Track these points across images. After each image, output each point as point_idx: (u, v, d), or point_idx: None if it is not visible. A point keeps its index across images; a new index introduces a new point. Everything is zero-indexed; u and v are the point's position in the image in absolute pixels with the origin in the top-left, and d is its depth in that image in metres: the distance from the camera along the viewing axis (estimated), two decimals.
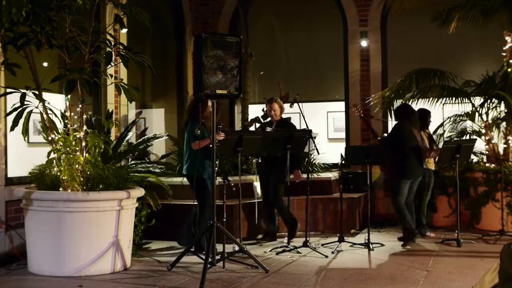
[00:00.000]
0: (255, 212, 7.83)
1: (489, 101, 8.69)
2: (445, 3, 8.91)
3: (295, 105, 7.58)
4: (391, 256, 6.82)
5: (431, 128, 8.60)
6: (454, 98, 8.76)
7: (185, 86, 10.24)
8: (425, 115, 8.21)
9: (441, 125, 9.15)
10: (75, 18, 6.00)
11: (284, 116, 7.92)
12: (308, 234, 7.18)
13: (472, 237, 7.75)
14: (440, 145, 7.97)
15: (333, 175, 8.93)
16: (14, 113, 5.78)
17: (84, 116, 6.09)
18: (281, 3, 10.91)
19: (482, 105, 8.75)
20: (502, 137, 8.78)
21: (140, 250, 7.00)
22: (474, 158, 8.81)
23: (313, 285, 5.45)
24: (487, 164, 8.68)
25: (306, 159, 8.70)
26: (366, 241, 7.13)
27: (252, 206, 7.90)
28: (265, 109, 8.51)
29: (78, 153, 6.00)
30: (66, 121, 6.19)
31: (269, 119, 7.96)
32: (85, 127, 6.05)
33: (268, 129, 7.62)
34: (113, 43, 6.30)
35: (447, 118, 9.17)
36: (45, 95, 6.05)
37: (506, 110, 8.62)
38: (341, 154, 7.58)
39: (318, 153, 7.46)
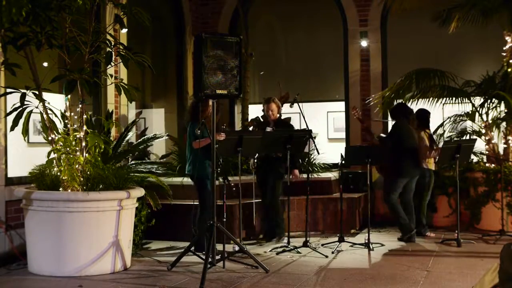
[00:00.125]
0: (253, 212, 7.85)
1: (489, 101, 8.69)
2: (445, 3, 8.91)
3: (295, 105, 7.58)
4: (391, 256, 6.82)
5: (431, 128, 8.59)
6: (454, 98, 8.76)
7: (185, 86, 10.24)
8: (426, 114, 8.21)
9: (441, 125, 9.15)
10: (75, 18, 6.00)
11: (284, 116, 7.92)
12: (308, 234, 7.18)
13: (472, 237, 7.75)
14: (440, 145, 7.98)
15: (333, 175, 8.93)
16: (14, 113, 5.78)
17: (84, 116, 6.09)
18: (281, 3, 10.91)
19: (482, 105, 8.75)
20: (502, 137, 8.78)
21: (140, 250, 7.00)
22: (474, 158, 8.81)
23: (313, 285, 5.45)
24: (487, 164, 8.68)
25: (306, 159, 8.69)
26: (366, 241, 7.13)
27: (252, 206, 7.92)
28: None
29: (78, 153, 6.00)
30: (66, 121, 6.19)
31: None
32: (85, 127, 6.05)
33: (268, 129, 7.62)
34: (113, 43, 6.30)
35: (447, 118, 9.17)
36: (45, 95, 6.05)
37: (506, 110, 8.62)
38: (341, 154, 7.58)
39: (318, 153, 7.46)
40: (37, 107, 5.92)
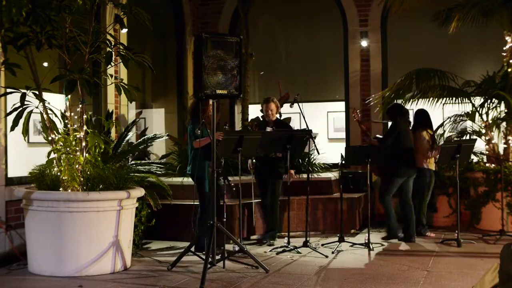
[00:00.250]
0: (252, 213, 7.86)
1: (489, 101, 8.69)
2: (445, 3, 8.92)
3: (295, 105, 7.57)
4: (391, 256, 6.82)
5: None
6: (454, 98, 8.77)
7: (185, 86, 10.24)
8: (426, 114, 8.21)
9: (441, 125, 9.15)
10: (75, 18, 5.99)
11: (284, 116, 7.91)
12: (308, 234, 7.18)
13: (472, 237, 7.75)
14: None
15: (333, 175, 8.93)
16: (14, 113, 5.78)
17: (84, 116, 6.08)
18: (281, 3, 10.92)
19: (482, 105, 8.74)
20: (502, 137, 8.78)
21: (140, 250, 7.00)
22: (474, 158, 8.80)
23: (313, 285, 5.45)
24: (487, 164, 8.68)
25: (306, 159, 8.69)
26: (366, 241, 7.13)
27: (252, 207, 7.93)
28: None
29: (78, 153, 6.00)
30: (66, 121, 6.19)
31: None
32: (85, 127, 6.05)
33: (268, 129, 7.62)
34: (113, 43, 6.30)
35: (447, 118, 9.17)
36: (45, 95, 6.06)
37: (506, 110, 8.62)
38: (341, 154, 7.59)
39: (318, 153, 7.46)
40: (37, 107, 5.92)
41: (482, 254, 6.80)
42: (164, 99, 10.56)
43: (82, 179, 5.96)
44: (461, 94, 8.75)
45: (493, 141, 8.75)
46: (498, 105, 8.68)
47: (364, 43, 10.06)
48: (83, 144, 6.02)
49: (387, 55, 10.15)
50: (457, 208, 7.74)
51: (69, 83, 5.85)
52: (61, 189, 5.98)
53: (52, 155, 6.01)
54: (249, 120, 9.67)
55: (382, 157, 7.45)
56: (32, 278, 5.70)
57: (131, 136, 7.52)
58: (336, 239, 7.37)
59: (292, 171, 7.54)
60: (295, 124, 9.73)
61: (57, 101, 6.46)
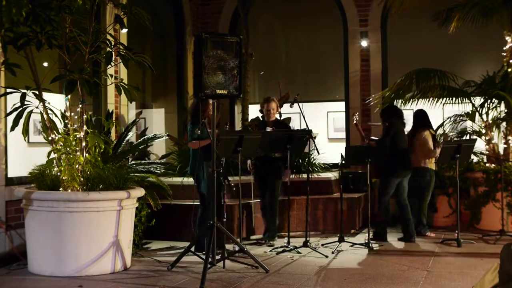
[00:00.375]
0: (252, 213, 7.86)
1: (489, 101, 8.69)
2: (445, 3, 8.92)
3: (295, 105, 7.57)
4: (391, 256, 6.81)
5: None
6: (454, 98, 8.77)
7: (185, 86, 10.24)
8: (427, 114, 8.21)
9: (441, 125, 9.15)
10: (75, 18, 5.99)
11: (284, 116, 7.90)
12: (308, 234, 7.18)
13: (472, 237, 7.75)
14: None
15: (333, 175, 8.93)
16: (14, 113, 5.78)
17: (84, 116, 6.08)
18: (281, 3, 10.92)
19: (482, 105, 8.74)
20: (502, 137, 8.78)
21: (140, 250, 7.00)
22: (474, 158, 8.81)
23: (313, 285, 5.45)
24: (487, 164, 8.68)
25: (306, 159, 8.69)
26: (366, 241, 7.13)
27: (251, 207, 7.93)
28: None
29: (78, 153, 6.00)
30: (66, 121, 6.19)
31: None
32: (85, 127, 6.05)
33: (268, 129, 7.61)
34: (113, 43, 6.30)
35: (447, 118, 9.17)
36: (45, 95, 6.06)
37: (506, 110, 8.62)
38: (341, 154, 7.59)
39: (318, 153, 7.45)
40: (37, 107, 5.92)
41: (482, 254, 6.80)
42: (164, 99, 10.56)
43: (82, 179, 5.96)
44: (461, 94, 8.75)
45: (493, 141, 8.75)
46: (498, 105, 8.68)
47: (364, 43, 10.06)
48: (83, 144, 6.02)
49: (387, 55, 10.15)
50: (457, 208, 7.74)
51: (69, 83, 5.85)
52: (61, 189, 5.98)
53: (52, 155, 6.01)
54: (249, 120, 9.67)
55: (382, 158, 7.45)
56: (32, 278, 5.70)
57: (131, 136, 7.52)
58: (336, 239, 7.37)
59: (288, 171, 7.47)
60: (295, 124, 9.73)
61: (57, 101, 6.46)
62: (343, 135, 10.35)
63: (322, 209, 8.49)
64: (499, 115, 8.71)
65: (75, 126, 6.11)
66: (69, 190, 5.94)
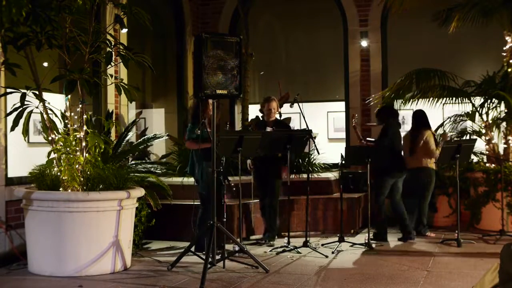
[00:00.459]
0: (252, 213, 7.85)
1: (489, 101, 8.69)
2: (445, 3, 8.92)
3: (295, 105, 7.57)
4: (391, 256, 6.81)
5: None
6: (454, 98, 8.77)
7: (185, 86, 10.24)
8: (426, 114, 8.20)
9: (441, 125, 9.15)
10: (75, 18, 6.00)
11: (284, 116, 7.89)
12: (308, 234, 7.18)
13: (472, 237, 7.75)
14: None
15: (333, 175, 8.93)
16: (14, 113, 5.78)
17: (84, 116, 6.08)
18: (281, 3, 10.92)
19: (482, 105, 8.74)
20: (502, 137, 8.78)
21: (140, 250, 7.00)
22: (474, 158, 8.81)
23: (313, 285, 5.45)
24: (487, 164, 8.68)
25: (306, 159, 8.69)
26: (366, 241, 7.13)
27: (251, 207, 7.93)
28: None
29: (78, 153, 6.00)
30: (66, 121, 6.19)
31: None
32: (85, 127, 6.05)
33: (268, 129, 7.61)
34: (113, 43, 6.30)
35: (447, 118, 9.17)
36: (45, 95, 6.06)
37: (506, 110, 8.62)
38: (341, 154, 7.59)
39: (318, 153, 7.46)
40: (37, 107, 5.92)
41: (482, 254, 6.80)
42: (164, 99, 10.56)
43: (82, 179, 5.96)
44: (461, 94, 8.75)
45: (493, 141, 8.75)
46: (498, 105, 8.68)
47: (364, 43, 10.06)
48: (83, 144, 6.02)
49: (387, 55, 10.15)
50: (457, 208, 7.74)
51: (69, 83, 5.85)
52: (61, 189, 5.98)
53: (52, 155, 6.01)
54: (249, 120, 9.67)
55: (381, 158, 7.45)
56: (32, 278, 5.70)
57: (131, 136, 7.52)
58: (336, 239, 7.37)
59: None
60: (295, 124, 9.72)
61: (57, 101, 6.46)
62: (343, 135, 10.35)
63: (322, 209, 8.49)
64: (499, 115, 8.71)
65: (75, 126, 6.11)
66: (69, 190, 5.94)
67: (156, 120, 10.41)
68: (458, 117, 9.03)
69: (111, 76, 6.60)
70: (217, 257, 6.03)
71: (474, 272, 5.84)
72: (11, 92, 5.96)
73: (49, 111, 6.02)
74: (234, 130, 9.79)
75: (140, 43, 9.68)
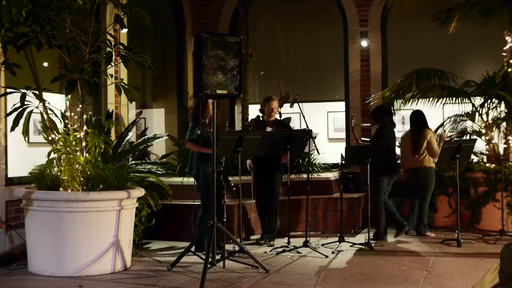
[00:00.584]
0: (252, 213, 7.85)
1: (489, 101, 8.69)
2: (445, 3, 8.92)
3: (295, 105, 7.57)
4: (391, 256, 6.81)
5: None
6: (454, 98, 8.77)
7: (185, 86, 10.24)
8: (424, 115, 8.20)
9: (441, 125, 9.15)
10: (75, 18, 6.00)
11: (284, 116, 7.89)
12: (308, 234, 7.18)
13: (472, 237, 7.75)
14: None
15: (333, 175, 8.93)
16: (15, 113, 5.78)
17: (84, 116, 6.08)
18: (281, 3, 10.92)
19: (482, 105, 8.74)
20: (502, 137, 8.78)
21: (140, 250, 7.00)
22: (474, 158, 8.81)
23: (313, 285, 5.45)
24: (487, 164, 8.68)
25: (306, 159, 8.69)
26: (366, 241, 7.13)
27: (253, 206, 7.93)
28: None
29: (78, 153, 6.00)
30: (66, 121, 6.19)
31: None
32: (85, 127, 6.05)
33: (268, 129, 7.61)
34: (113, 43, 6.30)
35: (447, 118, 9.17)
36: (45, 95, 6.06)
37: (506, 110, 8.62)
38: (341, 154, 7.59)
39: (318, 153, 7.46)
40: (37, 107, 5.92)
41: (482, 254, 6.80)
42: (164, 99, 10.56)
43: (82, 179, 5.96)
44: (461, 94, 8.75)
45: (493, 141, 8.75)
46: (498, 105, 8.68)
47: (364, 43, 10.06)
48: (83, 144, 6.02)
49: (387, 55, 10.15)
50: (457, 208, 7.74)
51: (69, 83, 5.85)
52: (61, 189, 5.98)
53: (52, 155, 6.01)
54: (249, 120, 9.67)
55: (378, 158, 7.45)
56: (32, 278, 5.70)
57: (131, 136, 7.52)
58: (336, 239, 7.37)
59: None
60: (295, 124, 9.72)
61: (57, 101, 6.46)
62: (343, 135, 10.35)
63: (322, 209, 8.50)
64: (499, 115, 8.71)
65: (75, 126, 6.11)
66: (69, 190, 5.94)
67: (156, 120, 10.41)
68: (458, 117, 9.03)
69: (111, 76, 6.60)
70: (217, 257, 6.03)
71: (474, 272, 5.84)
72: (11, 92, 5.96)
73: (49, 111, 6.02)
74: (234, 130, 9.78)
75: (140, 43, 9.68)
